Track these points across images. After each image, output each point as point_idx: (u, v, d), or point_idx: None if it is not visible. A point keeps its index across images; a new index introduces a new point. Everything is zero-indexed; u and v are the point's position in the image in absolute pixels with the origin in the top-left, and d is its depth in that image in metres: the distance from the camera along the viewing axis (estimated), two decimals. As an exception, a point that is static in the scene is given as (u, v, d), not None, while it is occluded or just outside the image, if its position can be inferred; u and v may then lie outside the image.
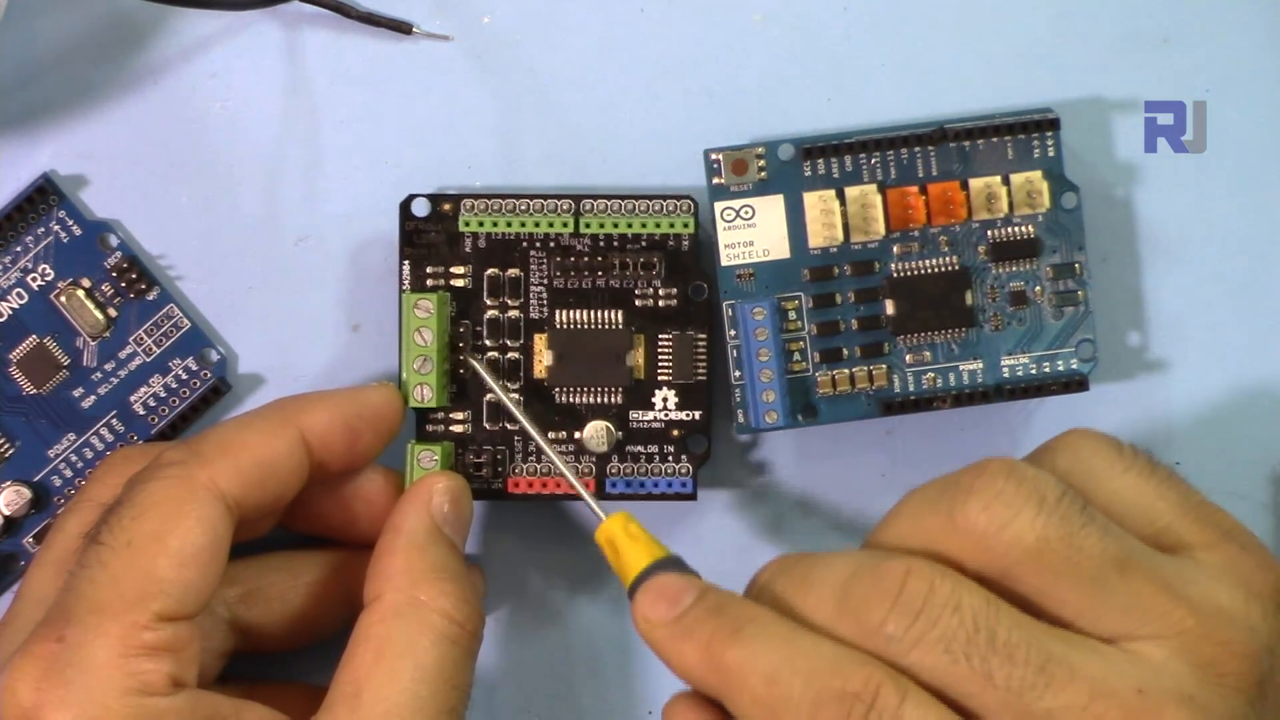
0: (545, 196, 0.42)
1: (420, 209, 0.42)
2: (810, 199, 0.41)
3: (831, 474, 0.44)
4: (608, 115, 0.44)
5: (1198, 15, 0.43)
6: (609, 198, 0.42)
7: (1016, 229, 0.42)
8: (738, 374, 0.42)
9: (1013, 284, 0.42)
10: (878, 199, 0.41)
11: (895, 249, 0.42)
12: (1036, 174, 0.42)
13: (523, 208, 0.42)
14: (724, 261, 0.41)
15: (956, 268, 0.42)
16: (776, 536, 0.44)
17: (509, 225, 0.42)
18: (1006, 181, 0.41)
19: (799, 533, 0.44)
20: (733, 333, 0.41)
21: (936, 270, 0.42)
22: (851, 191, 0.41)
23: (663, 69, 0.44)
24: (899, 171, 0.41)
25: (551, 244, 0.42)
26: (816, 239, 0.41)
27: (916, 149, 0.41)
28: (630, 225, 0.42)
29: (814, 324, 0.42)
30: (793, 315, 0.42)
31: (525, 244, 0.42)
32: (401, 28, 0.43)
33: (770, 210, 0.41)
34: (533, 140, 0.44)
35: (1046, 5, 0.44)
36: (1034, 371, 0.42)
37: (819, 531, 0.44)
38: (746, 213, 0.41)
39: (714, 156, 0.41)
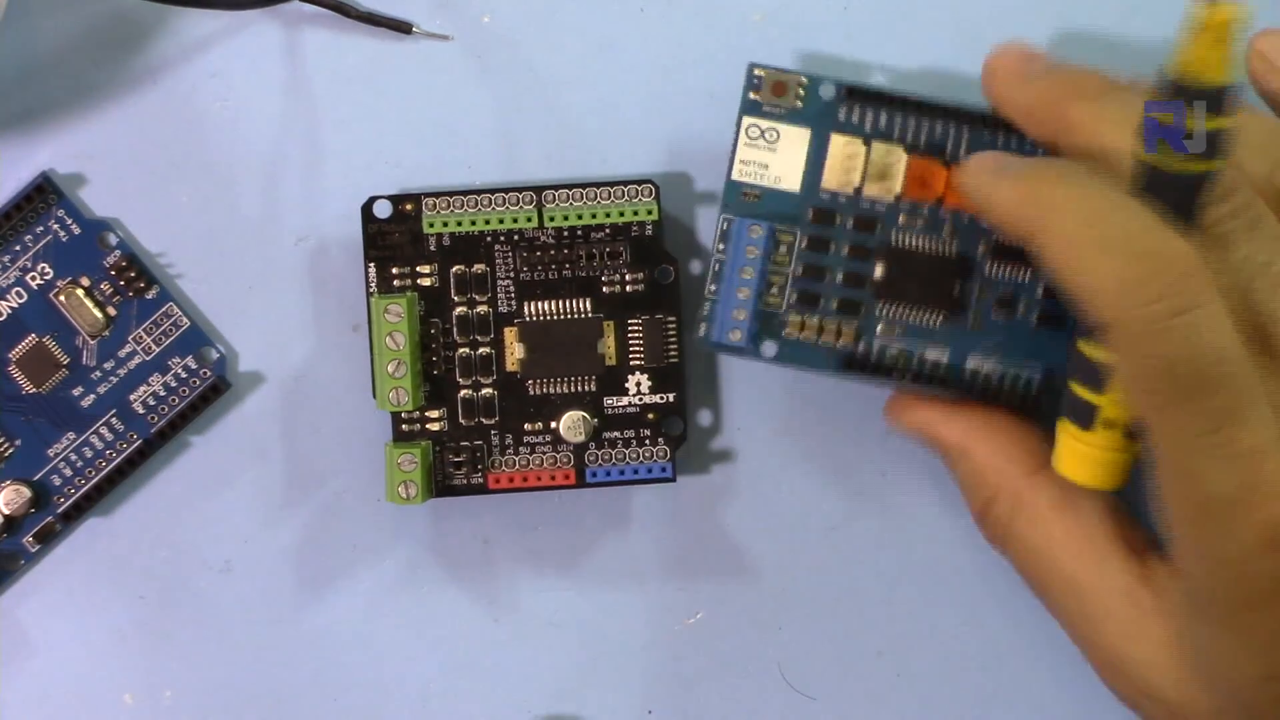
0: (507, 190, 0.42)
1: (382, 210, 0.42)
2: (837, 140, 0.41)
3: (829, 469, 0.44)
4: (608, 115, 0.44)
5: (1198, 14, 0.43)
6: (570, 188, 0.42)
7: None
8: (713, 288, 0.41)
9: (1003, 290, 0.41)
10: (902, 159, 0.41)
11: (901, 217, 0.41)
12: None
13: (485, 204, 0.42)
14: (734, 176, 0.41)
15: (954, 254, 0.41)
16: (759, 521, 0.44)
17: (472, 223, 0.42)
18: None
19: (788, 522, 0.44)
20: (721, 246, 0.41)
21: (935, 251, 0.41)
22: (879, 146, 0.41)
23: (663, 69, 0.44)
24: (930, 141, 0.41)
25: (516, 238, 0.42)
26: (831, 181, 0.41)
27: (953, 125, 0.41)
28: (594, 215, 0.42)
29: (802, 264, 0.41)
30: (784, 250, 0.41)
31: (489, 239, 0.42)
32: (401, 28, 0.43)
33: (795, 141, 0.41)
34: (533, 140, 0.44)
35: (1046, 5, 0.44)
36: (994, 382, 0.41)
37: (811, 527, 0.44)
38: (771, 135, 0.41)
39: (758, 73, 0.41)
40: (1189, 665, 0.36)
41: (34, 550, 0.43)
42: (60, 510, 0.43)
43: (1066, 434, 0.38)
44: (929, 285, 0.41)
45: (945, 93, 0.43)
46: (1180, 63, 0.33)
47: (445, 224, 0.42)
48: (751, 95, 0.41)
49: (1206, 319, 0.33)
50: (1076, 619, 0.39)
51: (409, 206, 0.42)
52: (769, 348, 0.41)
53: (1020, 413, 0.41)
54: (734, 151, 0.41)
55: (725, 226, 0.41)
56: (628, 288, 0.43)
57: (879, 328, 0.41)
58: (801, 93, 0.41)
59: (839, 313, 0.41)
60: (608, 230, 0.42)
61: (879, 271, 0.41)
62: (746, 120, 0.41)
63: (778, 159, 0.41)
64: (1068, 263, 0.34)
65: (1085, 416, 0.37)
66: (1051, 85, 0.38)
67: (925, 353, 0.41)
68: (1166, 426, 0.34)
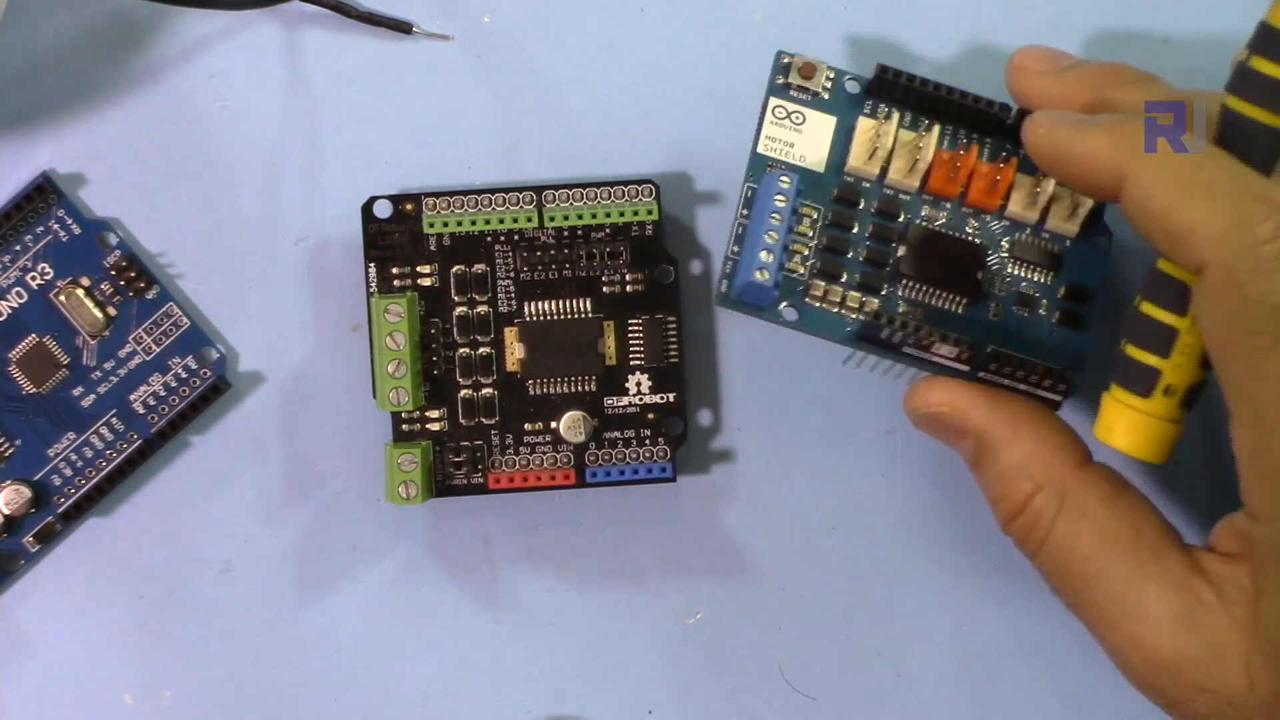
0: (507, 190, 0.42)
1: (382, 210, 0.42)
2: (865, 124, 0.41)
3: (829, 469, 0.44)
4: (608, 115, 0.44)
5: (1198, 15, 0.43)
6: (570, 188, 0.42)
7: (1044, 241, 0.41)
8: (735, 249, 0.40)
9: (1024, 287, 0.41)
10: (928, 150, 0.40)
11: (924, 209, 0.41)
12: (1089, 201, 0.41)
13: (485, 204, 0.42)
14: (760, 149, 0.41)
15: (978, 243, 0.41)
16: (759, 521, 0.44)
17: (472, 223, 0.42)
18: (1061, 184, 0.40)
19: (788, 522, 0.44)
20: (745, 212, 0.40)
21: (959, 235, 0.41)
22: (905, 134, 0.41)
23: (663, 69, 0.44)
24: (954, 138, 0.41)
25: (516, 238, 0.42)
26: (856, 161, 0.41)
27: (977, 127, 0.41)
28: (594, 215, 0.42)
29: (825, 237, 0.41)
30: (807, 223, 0.41)
31: (490, 239, 0.42)
32: (401, 28, 0.43)
33: (820, 126, 0.41)
34: (533, 140, 0.44)
35: (1047, 6, 0.44)
36: (1010, 374, 0.40)
37: (811, 527, 0.44)
38: (797, 118, 0.41)
39: (785, 58, 0.41)
40: (1256, 647, 0.36)
41: (34, 550, 0.43)
42: (60, 510, 0.43)
43: (1118, 402, 0.37)
44: (952, 269, 0.41)
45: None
46: (1277, 14, 0.34)
47: (445, 224, 0.42)
48: (779, 79, 0.41)
49: None
50: (1120, 618, 0.38)
51: (409, 206, 0.42)
52: (789, 312, 0.41)
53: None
54: (759, 128, 0.41)
55: (748, 194, 0.40)
56: (628, 288, 0.43)
57: (900, 306, 0.41)
58: (828, 84, 0.41)
59: (860, 287, 0.41)
60: (608, 230, 0.42)
61: (902, 251, 0.41)
62: (773, 101, 0.41)
63: (803, 139, 0.41)
64: (1168, 203, 0.34)
65: (1145, 382, 0.37)
66: (1088, 74, 0.39)
67: (948, 337, 0.39)
68: (1267, 373, 0.33)
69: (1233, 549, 0.36)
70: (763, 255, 0.39)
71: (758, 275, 0.39)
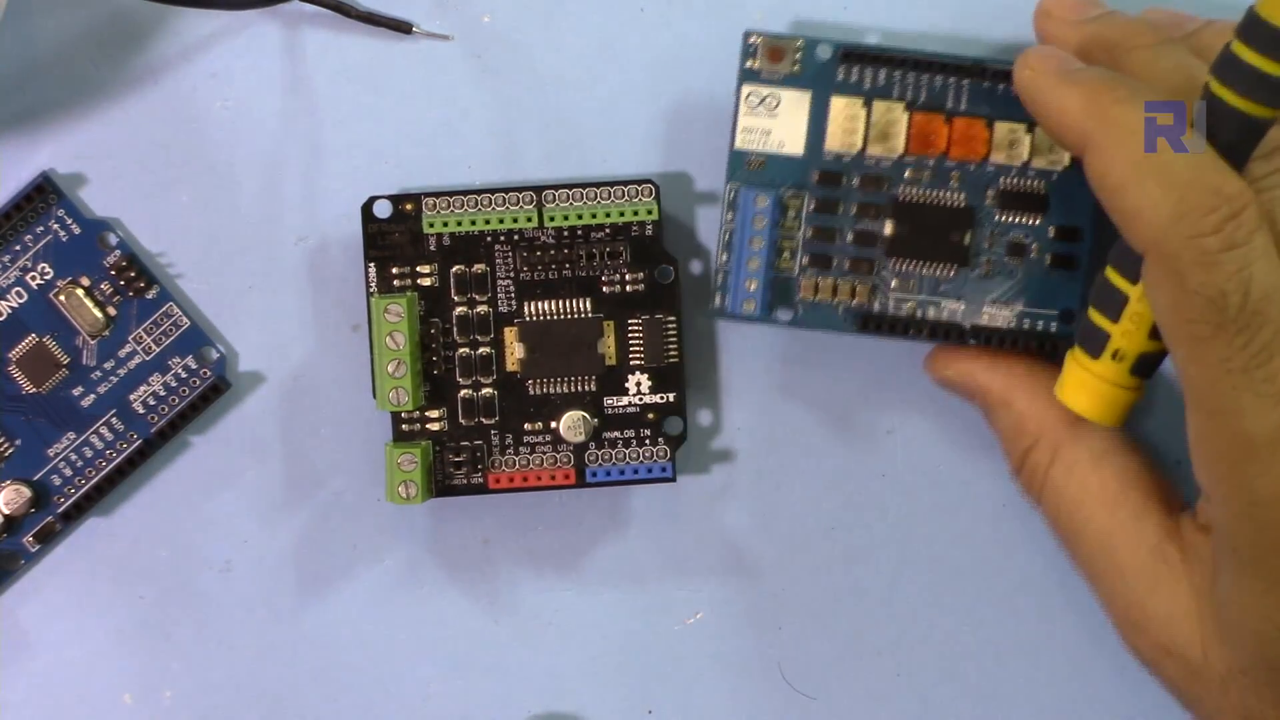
0: (507, 190, 0.42)
1: (382, 210, 0.42)
2: (838, 103, 0.41)
3: (829, 469, 0.44)
4: (608, 115, 0.44)
5: (1198, 14, 0.43)
6: (570, 188, 0.42)
7: (1030, 181, 0.41)
8: (724, 257, 0.41)
9: (1013, 235, 0.41)
10: (903, 117, 0.41)
11: (907, 172, 0.41)
12: None
13: (485, 204, 0.42)
14: (738, 145, 0.41)
15: (962, 205, 0.41)
16: (759, 521, 0.44)
17: (472, 223, 0.42)
18: (1031, 130, 0.41)
19: (788, 522, 0.44)
20: (729, 215, 0.41)
21: (942, 203, 0.41)
22: (879, 105, 0.41)
23: (663, 69, 0.44)
24: (930, 96, 0.41)
25: (516, 238, 0.42)
26: (834, 143, 0.41)
27: (952, 79, 0.41)
28: (594, 215, 0.42)
29: (811, 227, 0.41)
30: (792, 214, 0.41)
31: (490, 239, 0.42)
32: (401, 27, 0.43)
33: (795, 105, 0.41)
34: (533, 140, 0.44)
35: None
36: (1012, 325, 0.41)
37: (811, 527, 0.44)
38: (771, 102, 0.41)
39: (752, 39, 0.41)
40: (1213, 621, 0.36)
41: (34, 550, 0.43)
42: (60, 510, 0.43)
43: (1074, 361, 0.38)
44: (939, 237, 0.41)
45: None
46: (1265, 3, 0.33)
47: (445, 224, 0.42)
48: (748, 64, 0.41)
49: (1260, 255, 0.33)
50: (1103, 572, 0.39)
51: (409, 206, 0.42)
52: (784, 313, 0.41)
53: (1040, 358, 0.41)
54: (735, 120, 0.41)
55: (732, 196, 0.41)
56: (628, 288, 0.43)
57: (893, 284, 0.41)
58: (799, 56, 0.41)
59: (852, 272, 0.41)
60: (608, 230, 0.42)
61: (889, 228, 0.41)
62: (746, 88, 0.41)
63: (779, 124, 0.41)
64: (1121, 182, 0.34)
65: (1096, 344, 0.38)
66: (1108, 28, 0.39)
67: (941, 305, 0.41)
68: (1206, 360, 0.34)
69: (1204, 519, 0.37)
70: (748, 284, 0.41)
71: (745, 307, 0.41)
